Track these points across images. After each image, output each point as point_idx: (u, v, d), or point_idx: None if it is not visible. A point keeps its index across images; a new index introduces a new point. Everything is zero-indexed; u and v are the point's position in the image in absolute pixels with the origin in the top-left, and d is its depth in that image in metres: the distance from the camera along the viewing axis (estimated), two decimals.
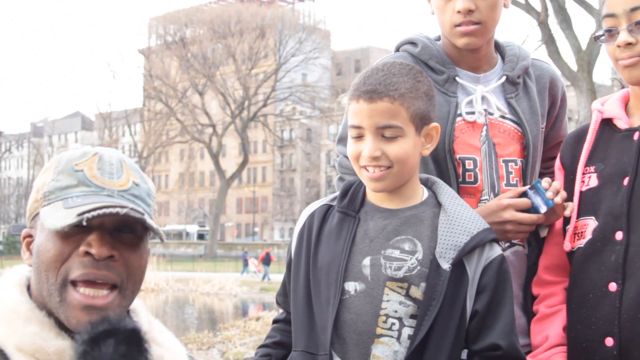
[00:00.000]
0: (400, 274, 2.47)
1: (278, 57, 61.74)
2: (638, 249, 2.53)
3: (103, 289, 1.79)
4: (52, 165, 1.90)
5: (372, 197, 2.62)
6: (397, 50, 3.09)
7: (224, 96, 55.84)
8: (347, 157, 2.94)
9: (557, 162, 2.91)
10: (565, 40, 20.80)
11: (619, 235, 2.57)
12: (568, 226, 2.74)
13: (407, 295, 2.47)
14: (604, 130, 2.78)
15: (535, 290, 2.87)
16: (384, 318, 2.47)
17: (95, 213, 1.73)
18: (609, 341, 2.53)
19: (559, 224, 2.81)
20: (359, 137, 2.53)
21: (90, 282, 1.77)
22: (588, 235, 2.67)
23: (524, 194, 2.76)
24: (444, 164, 2.84)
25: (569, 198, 2.76)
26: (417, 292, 2.46)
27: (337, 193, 2.74)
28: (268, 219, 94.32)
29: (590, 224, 2.67)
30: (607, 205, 2.64)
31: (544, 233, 2.86)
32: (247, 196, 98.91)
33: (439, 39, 3.06)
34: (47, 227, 1.79)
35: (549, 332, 2.74)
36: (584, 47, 20.41)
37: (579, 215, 2.72)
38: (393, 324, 2.46)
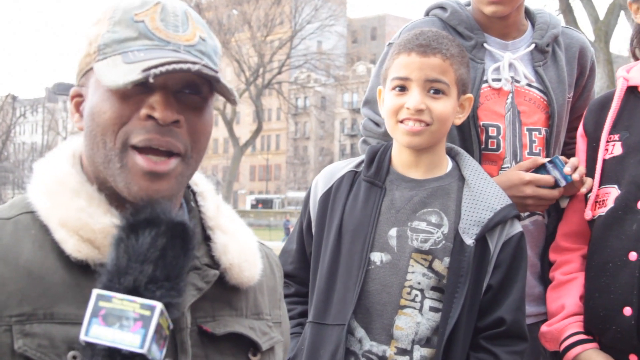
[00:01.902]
0: (427, 246, 2.48)
1: (293, 24, 61.47)
2: None
3: (165, 156, 1.61)
4: (106, 16, 1.67)
5: (398, 165, 2.61)
6: (427, 14, 3.09)
7: (238, 63, 55.69)
8: (372, 121, 2.93)
9: (580, 129, 2.89)
10: (583, 10, 20.62)
11: None
12: (590, 194, 2.72)
13: (430, 268, 2.49)
14: (629, 98, 2.77)
15: (552, 256, 2.86)
16: (408, 289, 2.48)
17: (163, 69, 1.52)
18: (627, 310, 2.53)
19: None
20: (402, 90, 2.51)
21: (152, 150, 1.59)
22: (610, 204, 2.66)
23: (542, 166, 2.74)
24: (467, 130, 2.84)
25: (591, 165, 2.75)
26: (440, 266, 2.48)
27: (361, 157, 2.71)
28: (281, 186, 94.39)
29: (613, 192, 2.66)
30: (631, 174, 2.62)
31: (564, 204, 2.85)
32: (260, 164, 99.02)
33: (468, 4, 3.05)
34: (105, 84, 1.58)
35: (565, 300, 2.73)
36: (601, 17, 20.22)
37: (601, 184, 2.71)
38: (416, 295, 2.48)
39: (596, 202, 2.71)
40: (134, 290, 1.45)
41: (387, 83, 2.58)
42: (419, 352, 2.47)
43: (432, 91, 2.50)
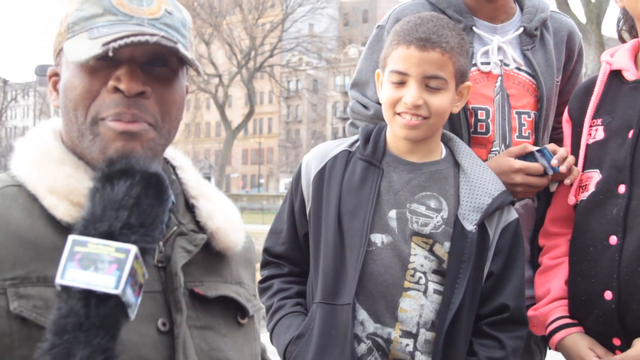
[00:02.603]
0: (427, 230, 2.49)
1: (285, 7, 61.28)
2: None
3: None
4: None
5: (394, 147, 2.62)
6: None
7: (230, 46, 55.50)
8: (360, 104, 2.93)
9: (565, 114, 2.90)
10: None
11: (622, 189, 2.57)
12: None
13: (431, 251, 2.49)
14: (612, 82, 2.76)
15: (541, 241, 2.88)
16: (412, 272, 2.48)
17: (122, 42, 1.57)
18: (608, 294, 2.53)
19: None
20: (401, 84, 2.51)
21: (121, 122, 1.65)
22: (591, 188, 2.66)
23: (531, 154, 2.76)
24: (455, 114, 2.83)
25: (576, 151, 2.76)
26: (440, 250, 2.49)
27: (354, 138, 2.72)
28: (274, 170, 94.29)
29: (595, 176, 2.67)
30: (612, 158, 2.63)
31: (553, 188, 2.86)
32: (252, 147, 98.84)
33: None
34: (70, 61, 1.65)
35: (551, 285, 2.75)
36: None
37: (584, 168, 2.72)
38: (420, 277, 2.48)
39: (580, 186, 2.72)
40: (109, 235, 1.47)
41: (385, 71, 2.57)
42: (424, 335, 2.48)
43: (430, 86, 2.50)
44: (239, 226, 1.91)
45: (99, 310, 1.41)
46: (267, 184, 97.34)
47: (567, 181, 2.74)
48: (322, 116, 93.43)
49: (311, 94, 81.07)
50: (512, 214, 2.59)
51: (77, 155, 1.72)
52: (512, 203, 2.60)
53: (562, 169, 2.72)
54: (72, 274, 1.41)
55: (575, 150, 2.78)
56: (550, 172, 2.74)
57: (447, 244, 2.49)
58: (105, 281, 1.41)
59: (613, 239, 2.54)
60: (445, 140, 2.68)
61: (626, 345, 2.53)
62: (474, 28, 2.93)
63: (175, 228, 1.77)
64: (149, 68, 1.68)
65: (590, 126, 2.75)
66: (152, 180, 1.57)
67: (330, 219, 2.57)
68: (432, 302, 2.49)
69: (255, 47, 56.45)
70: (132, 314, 1.45)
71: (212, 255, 1.84)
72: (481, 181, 2.55)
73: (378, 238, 2.52)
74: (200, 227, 1.83)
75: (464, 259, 2.47)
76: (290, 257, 2.74)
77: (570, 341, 2.65)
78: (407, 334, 2.47)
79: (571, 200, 2.73)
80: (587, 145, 2.74)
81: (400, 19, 2.71)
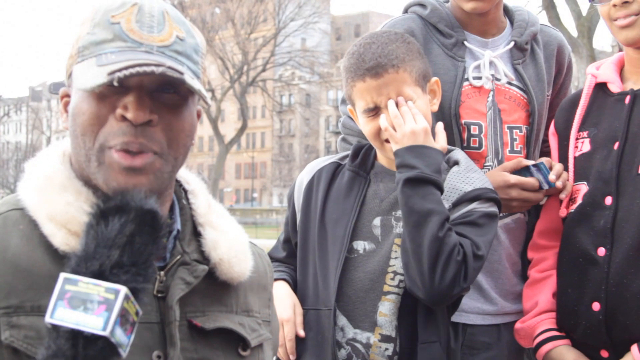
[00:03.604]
0: None
1: (277, 22, 61.28)
2: (626, 214, 2.54)
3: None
4: (89, 17, 1.70)
5: (383, 160, 2.64)
6: (406, 11, 3.07)
7: (222, 61, 55.49)
8: (351, 118, 2.95)
9: (552, 128, 2.92)
10: (566, 6, 20.65)
11: (609, 200, 2.58)
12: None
13: None
14: (598, 94, 2.78)
15: (530, 254, 2.89)
16: (391, 275, 2.49)
17: (127, 72, 1.54)
18: (596, 306, 2.54)
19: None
20: (375, 114, 2.53)
21: (128, 152, 1.62)
22: (579, 200, 2.68)
23: (526, 168, 2.77)
24: (449, 129, 2.83)
25: (563, 163, 2.78)
26: None
27: (345, 153, 2.75)
28: (267, 184, 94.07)
29: (583, 189, 2.68)
30: (598, 169, 2.64)
31: (543, 201, 2.87)
32: (245, 161, 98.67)
33: (447, 1, 3.04)
34: (77, 87, 1.63)
35: (538, 297, 2.76)
36: (584, 12, 20.24)
37: (573, 181, 2.73)
38: (401, 280, 2.48)
39: (569, 199, 2.73)
40: (99, 275, 1.46)
41: (356, 108, 2.60)
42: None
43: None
44: (246, 257, 1.87)
45: (86, 351, 1.40)
46: (260, 198, 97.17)
47: (562, 195, 2.75)
48: (314, 130, 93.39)
49: (304, 108, 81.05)
50: (493, 209, 2.52)
51: (84, 179, 1.70)
52: (497, 202, 2.55)
53: (559, 184, 2.73)
54: (61, 313, 1.41)
55: (562, 163, 2.79)
56: (545, 187, 2.75)
57: None
58: (93, 322, 1.40)
59: (601, 251, 2.56)
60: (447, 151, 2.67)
61: (614, 357, 2.54)
62: (465, 42, 2.95)
63: (178, 257, 1.75)
64: (157, 95, 1.65)
65: (577, 139, 2.77)
66: (147, 217, 1.55)
67: (316, 228, 2.61)
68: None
69: (247, 61, 56.42)
70: (124, 352, 1.44)
71: (217, 284, 1.81)
72: (471, 175, 2.53)
73: (360, 245, 2.54)
74: (204, 256, 1.80)
75: None
76: (290, 263, 2.79)
77: (556, 353, 2.66)
78: (386, 338, 2.48)
79: (562, 212, 2.74)
80: (575, 158, 2.76)
81: None
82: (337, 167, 2.70)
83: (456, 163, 2.57)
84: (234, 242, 1.86)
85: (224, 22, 59.01)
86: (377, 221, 2.55)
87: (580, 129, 2.77)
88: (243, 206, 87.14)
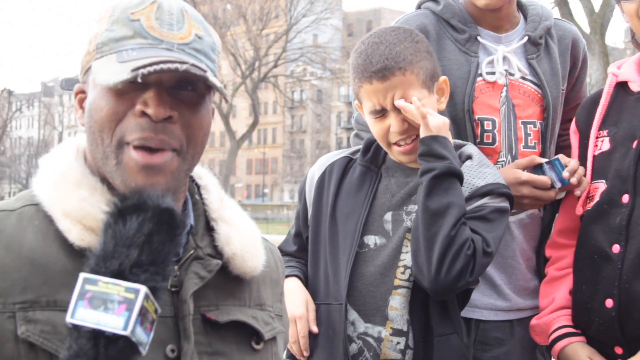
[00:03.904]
0: None
1: (289, 18, 61.25)
2: None
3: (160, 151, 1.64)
4: (106, 14, 1.71)
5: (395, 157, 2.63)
6: (419, 7, 3.07)
7: (234, 57, 55.54)
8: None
9: (573, 126, 2.91)
10: (578, 2, 20.59)
11: (625, 198, 2.58)
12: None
13: None
14: (619, 93, 2.78)
15: (548, 252, 2.88)
16: (402, 269, 2.49)
17: (151, 69, 1.56)
18: (609, 302, 2.55)
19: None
20: (382, 115, 2.53)
21: (146, 148, 1.63)
22: (597, 198, 2.67)
23: (539, 166, 2.76)
24: (462, 124, 2.84)
25: (583, 162, 2.77)
26: None
27: (357, 147, 2.75)
28: (278, 180, 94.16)
29: (601, 187, 2.68)
30: (616, 167, 2.64)
31: (561, 196, 2.85)
32: (257, 157, 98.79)
33: None
34: (98, 83, 1.63)
35: (555, 294, 2.76)
36: (597, 9, 20.18)
37: (591, 179, 2.73)
38: (411, 274, 2.48)
39: (587, 197, 2.73)
40: (119, 274, 1.47)
41: (363, 105, 2.60)
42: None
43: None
44: (258, 251, 1.89)
45: (107, 351, 1.41)
46: (271, 193, 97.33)
47: (577, 192, 2.75)
48: (326, 126, 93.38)
49: (315, 104, 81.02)
50: (505, 204, 2.52)
51: (101, 176, 1.71)
52: (510, 197, 2.55)
53: (573, 180, 2.72)
54: (82, 313, 1.42)
55: (582, 162, 2.79)
56: (558, 185, 2.74)
57: None
58: (114, 322, 1.41)
59: (616, 248, 2.56)
60: (458, 146, 2.67)
61: (628, 354, 2.55)
62: (479, 38, 2.94)
63: (192, 252, 1.77)
64: (175, 92, 1.67)
65: (597, 137, 2.77)
66: (164, 216, 1.56)
67: (327, 223, 2.62)
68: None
69: (259, 57, 56.47)
70: (144, 350, 1.45)
71: (230, 278, 1.82)
72: (485, 170, 2.53)
73: (371, 240, 2.55)
74: (217, 251, 1.81)
75: None
76: (301, 257, 2.80)
77: (570, 350, 2.67)
78: (398, 332, 2.48)
79: (579, 211, 2.75)
80: (594, 156, 2.76)
81: None
82: (348, 162, 2.71)
83: (469, 157, 2.57)
84: (247, 237, 1.87)
85: (236, 18, 59.05)
86: (388, 216, 2.56)
87: (600, 128, 2.77)
88: (254, 202, 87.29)
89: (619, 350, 2.58)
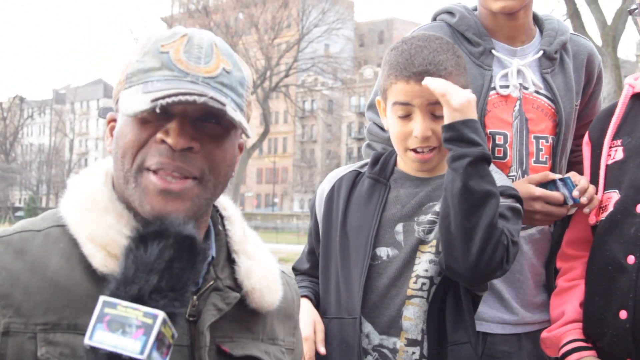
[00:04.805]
0: (431, 236, 2.50)
1: (301, 28, 61.43)
2: None
3: (180, 178, 1.67)
4: (141, 45, 1.76)
5: (403, 166, 2.64)
6: (434, 19, 3.06)
7: None
8: (377, 125, 2.94)
9: (585, 137, 2.90)
10: (591, 15, 20.59)
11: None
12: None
13: (438, 252, 2.48)
14: (634, 104, 2.77)
15: (558, 263, 2.88)
16: (414, 279, 2.49)
17: (170, 100, 1.58)
18: (623, 314, 2.53)
19: None
20: (407, 117, 2.51)
21: (165, 172, 1.66)
22: (610, 208, 2.66)
23: (552, 182, 2.75)
24: None
25: (595, 172, 2.76)
26: None
27: (365, 161, 2.76)
28: (288, 189, 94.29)
29: (614, 196, 2.67)
30: (630, 177, 2.63)
31: (572, 211, 2.84)
32: (267, 166, 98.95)
33: (475, 9, 3.03)
34: (122, 112, 1.68)
35: (565, 307, 2.75)
36: (609, 22, 20.18)
37: (604, 189, 2.71)
38: (424, 284, 2.48)
39: (600, 207, 2.72)
40: (138, 299, 1.49)
41: (388, 103, 2.58)
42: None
43: (436, 114, 2.49)
44: (277, 287, 1.90)
45: None
46: (281, 203, 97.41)
47: (586, 210, 2.73)
48: (337, 136, 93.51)
49: (326, 114, 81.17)
50: (516, 204, 2.52)
51: (125, 202, 1.73)
52: (519, 200, 2.54)
53: (583, 200, 2.70)
54: (100, 336, 1.43)
55: (594, 172, 2.78)
56: (570, 202, 2.73)
57: None
58: (131, 345, 1.42)
59: (631, 259, 2.54)
60: None
61: None
62: (493, 51, 2.93)
63: (212, 282, 1.78)
64: (200, 124, 1.68)
65: (610, 147, 2.76)
66: (185, 243, 1.58)
67: (337, 238, 2.62)
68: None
69: (270, 67, 56.61)
70: None
71: (246, 311, 1.83)
72: (495, 175, 2.50)
73: (383, 252, 2.54)
74: (237, 284, 1.82)
75: None
76: (314, 275, 2.79)
77: None
78: (412, 342, 2.47)
79: (592, 220, 2.73)
80: (607, 166, 2.74)
81: None
82: (357, 175, 2.71)
83: None
84: (267, 273, 1.89)
85: (248, 27, 59.25)
86: (399, 227, 2.55)
87: (614, 137, 2.76)
88: (264, 211, 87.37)
89: None
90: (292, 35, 63.99)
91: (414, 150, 2.53)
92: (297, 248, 38.51)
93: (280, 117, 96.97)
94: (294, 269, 2.89)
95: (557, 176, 2.80)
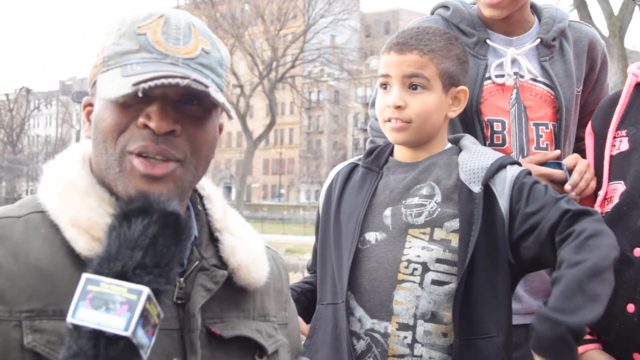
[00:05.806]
0: (421, 220, 2.50)
1: (307, 18, 61.35)
2: None
3: (163, 161, 1.65)
4: (116, 27, 1.72)
5: (397, 154, 2.67)
6: (432, 13, 3.13)
7: (252, 57, 55.71)
8: (377, 120, 2.96)
9: (588, 127, 2.88)
10: (597, 5, 20.55)
11: None
12: (600, 191, 2.72)
13: (432, 240, 2.48)
14: (639, 94, 2.74)
15: None
16: (405, 264, 2.48)
17: (152, 83, 1.56)
18: (631, 307, 2.51)
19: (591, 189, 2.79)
20: (386, 88, 2.57)
21: (148, 157, 1.64)
22: (616, 200, 2.64)
23: (553, 162, 2.77)
24: (471, 125, 2.87)
25: (599, 163, 2.75)
26: (441, 233, 2.49)
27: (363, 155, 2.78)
28: (294, 180, 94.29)
29: (619, 188, 2.64)
30: (636, 169, 2.60)
31: (572, 194, 2.84)
32: (273, 157, 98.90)
33: (474, 2, 3.07)
34: (101, 97, 1.65)
35: None
36: (616, 12, 20.14)
37: (609, 180, 2.70)
38: (415, 269, 2.47)
39: (605, 199, 2.70)
40: (122, 275, 1.46)
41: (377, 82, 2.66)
42: (422, 327, 2.46)
43: (412, 87, 2.53)
44: (262, 262, 1.89)
45: (108, 352, 1.39)
46: (287, 194, 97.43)
47: (573, 193, 2.71)
48: (343, 127, 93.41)
49: (332, 105, 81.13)
50: (517, 169, 2.51)
51: (106, 186, 1.71)
52: (518, 163, 2.55)
53: (573, 195, 2.71)
54: (83, 313, 1.40)
55: (598, 162, 2.76)
56: (569, 187, 2.74)
57: (447, 224, 2.48)
58: (115, 322, 1.40)
59: (637, 251, 2.52)
60: (457, 139, 2.69)
61: None
62: (488, 41, 2.97)
63: (197, 263, 1.76)
64: (181, 106, 1.67)
65: (614, 137, 2.74)
66: (170, 219, 1.55)
67: (328, 227, 2.65)
68: (430, 292, 2.46)
69: (277, 58, 56.62)
70: (145, 354, 1.44)
71: (234, 289, 1.82)
72: (482, 152, 2.55)
73: (372, 236, 2.55)
74: (222, 262, 1.81)
75: (473, 220, 2.45)
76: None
77: (587, 357, 2.63)
78: (404, 327, 2.46)
79: None
80: (612, 157, 2.72)
81: None
82: (353, 168, 2.74)
83: (463, 148, 2.61)
84: (252, 248, 1.87)
85: (254, 18, 59.22)
86: (387, 211, 2.56)
87: (618, 128, 2.74)
88: (270, 202, 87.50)
89: (637, 357, 2.54)
90: (298, 26, 63.92)
91: (389, 120, 2.56)
92: (303, 239, 38.51)
93: (287, 108, 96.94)
94: (307, 267, 2.94)
95: (556, 153, 2.84)
